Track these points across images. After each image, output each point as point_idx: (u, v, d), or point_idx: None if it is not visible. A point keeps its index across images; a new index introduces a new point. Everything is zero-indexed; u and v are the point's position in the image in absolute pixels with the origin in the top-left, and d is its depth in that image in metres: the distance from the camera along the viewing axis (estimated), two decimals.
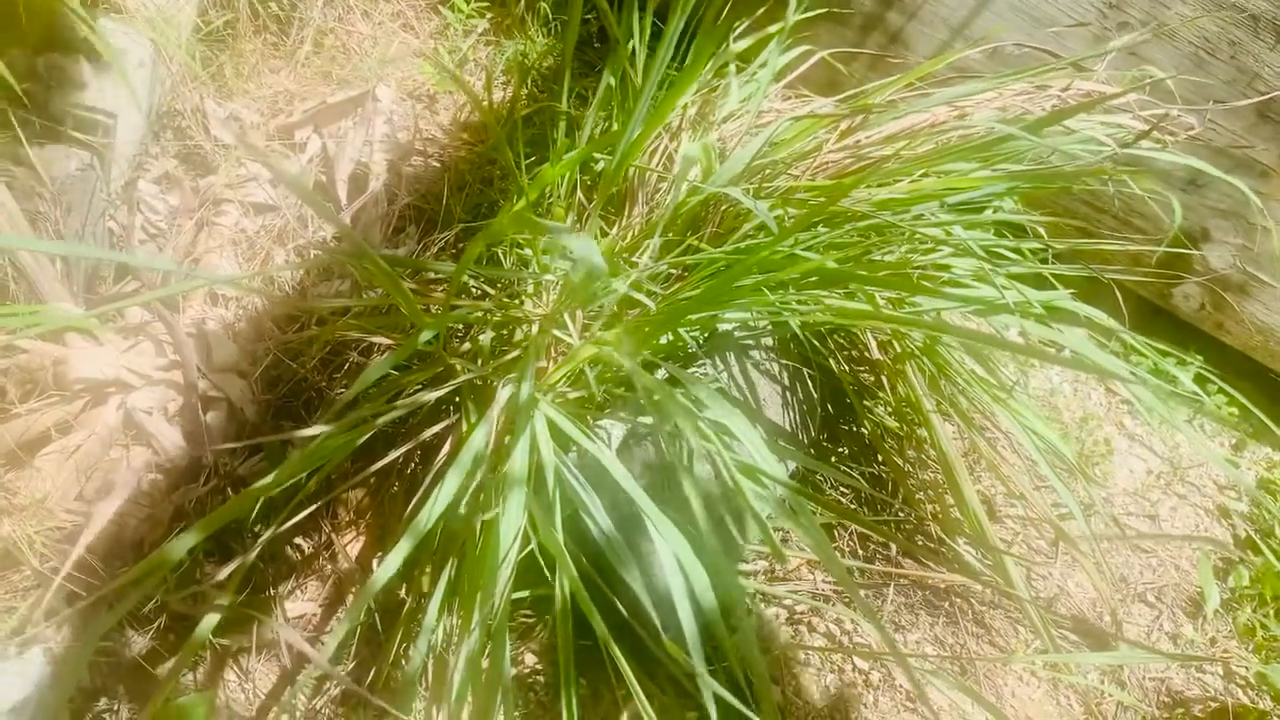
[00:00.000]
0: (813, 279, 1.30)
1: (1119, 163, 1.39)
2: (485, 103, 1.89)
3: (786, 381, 1.57)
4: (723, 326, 1.48)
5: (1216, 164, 1.55)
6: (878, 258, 1.46)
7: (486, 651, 1.10)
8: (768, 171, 1.48)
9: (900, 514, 1.67)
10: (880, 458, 1.71)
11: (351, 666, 1.30)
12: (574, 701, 1.07)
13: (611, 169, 1.35)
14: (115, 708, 1.20)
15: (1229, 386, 1.58)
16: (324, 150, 1.73)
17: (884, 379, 1.65)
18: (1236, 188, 1.50)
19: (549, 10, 2.00)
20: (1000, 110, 1.45)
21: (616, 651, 1.03)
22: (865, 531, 1.63)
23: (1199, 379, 1.94)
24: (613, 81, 1.49)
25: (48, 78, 1.40)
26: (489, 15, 2.05)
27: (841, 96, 1.65)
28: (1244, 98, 1.75)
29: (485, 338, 1.39)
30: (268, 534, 1.20)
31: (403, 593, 1.33)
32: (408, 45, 1.96)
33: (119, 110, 1.48)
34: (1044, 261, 1.63)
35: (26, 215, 1.35)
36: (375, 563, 1.39)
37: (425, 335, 1.16)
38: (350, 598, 1.35)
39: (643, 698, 1.03)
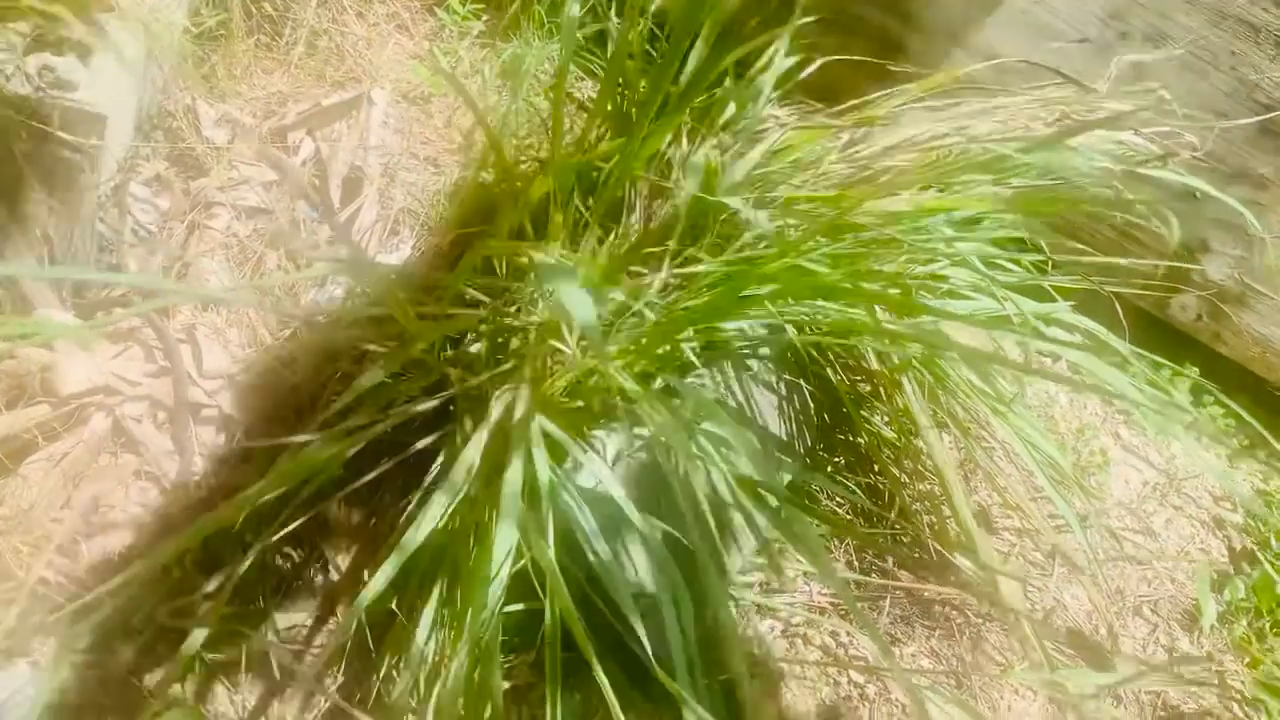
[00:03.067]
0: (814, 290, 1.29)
1: (1122, 180, 1.38)
2: (480, 107, 1.87)
3: (783, 391, 1.56)
4: (720, 336, 1.47)
5: (1216, 174, 1.55)
6: (876, 267, 1.44)
7: (478, 666, 1.08)
8: (768, 180, 1.47)
9: (897, 526, 1.66)
10: (877, 468, 1.70)
11: (342, 681, 1.28)
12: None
13: (614, 177, 1.34)
14: None
15: (1226, 398, 1.57)
16: (317, 153, 1.71)
17: (881, 389, 1.63)
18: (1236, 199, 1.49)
19: (544, 14, 1.98)
20: (1003, 124, 1.44)
21: (600, 673, 1.01)
22: (861, 543, 1.62)
23: (1195, 390, 1.93)
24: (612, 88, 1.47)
25: (38, 78, 1.38)
26: (484, 17, 2.03)
27: (843, 106, 1.63)
28: (1244, 108, 1.74)
29: (480, 346, 1.38)
30: (258, 544, 1.18)
31: (394, 605, 1.31)
32: (402, 47, 1.94)
33: (110, 111, 1.45)
34: (1043, 273, 1.62)
35: (15, 219, 1.33)
36: (366, 574, 1.37)
37: (419, 344, 1.15)
38: (340, 610, 1.33)
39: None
